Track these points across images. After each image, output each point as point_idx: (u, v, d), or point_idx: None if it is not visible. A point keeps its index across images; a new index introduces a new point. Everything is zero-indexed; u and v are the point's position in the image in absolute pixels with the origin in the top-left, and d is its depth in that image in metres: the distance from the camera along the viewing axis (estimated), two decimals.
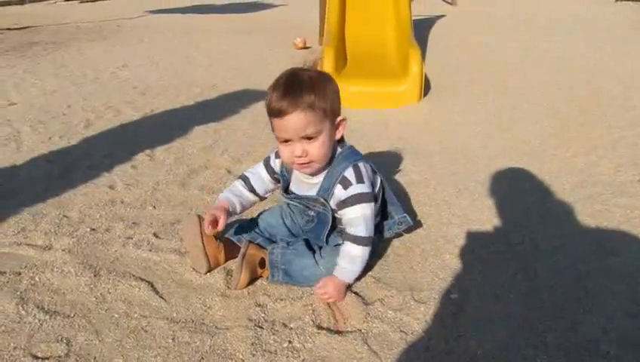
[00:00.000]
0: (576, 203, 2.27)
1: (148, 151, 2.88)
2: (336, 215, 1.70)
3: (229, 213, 1.75)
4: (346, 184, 1.64)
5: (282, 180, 1.81)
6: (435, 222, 2.11)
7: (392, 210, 1.86)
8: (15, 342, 1.42)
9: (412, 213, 2.14)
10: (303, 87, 1.54)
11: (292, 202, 1.79)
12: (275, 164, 1.82)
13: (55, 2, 12.26)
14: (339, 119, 1.65)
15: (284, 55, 5.91)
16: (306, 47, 6.23)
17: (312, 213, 1.73)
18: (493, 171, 2.63)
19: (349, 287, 1.65)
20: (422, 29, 7.10)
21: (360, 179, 1.65)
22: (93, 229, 2.04)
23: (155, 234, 2.00)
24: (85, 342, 1.42)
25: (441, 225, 2.09)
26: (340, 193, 1.65)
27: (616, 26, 7.84)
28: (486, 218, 2.16)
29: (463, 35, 7.19)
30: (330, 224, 1.71)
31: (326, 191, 1.68)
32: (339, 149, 1.71)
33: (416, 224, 2.06)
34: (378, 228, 1.84)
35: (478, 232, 2.04)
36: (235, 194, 1.81)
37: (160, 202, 2.29)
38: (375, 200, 1.71)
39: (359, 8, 5.32)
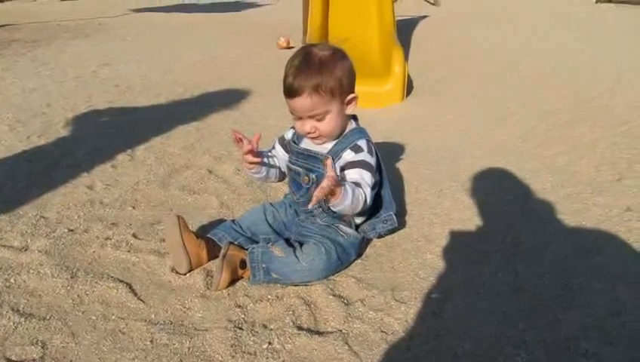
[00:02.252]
0: (557, 202, 2.28)
1: (128, 151, 2.84)
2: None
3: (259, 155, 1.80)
4: (357, 150, 1.71)
5: (295, 139, 1.85)
6: (416, 222, 2.11)
7: (382, 208, 1.87)
8: None
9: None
10: (310, 70, 1.62)
11: (295, 165, 1.81)
12: (288, 134, 1.89)
13: (35, 0, 12.09)
14: (350, 96, 1.70)
15: (268, 54, 5.89)
16: (289, 47, 6.21)
17: (313, 176, 1.75)
18: (475, 170, 2.64)
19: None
20: (405, 29, 7.11)
21: (370, 152, 1.73)
22: (71, 230, 2.00)
23: (134, 235, 1.97)
24: (61, 345, 1.39)
25: (422, 224, 2.09)
26: (349, 156, 1.71)
27: (599, 27, 7.93)
28: (468, 217, 2.16)
29: (446, 36, 7.21)
30: None
31: (335, 153, 1.73)
32: (353, 124, 1.79)
33: (399, 225, 2.06)
34: (362, 228, 1.85)
35: (460, 231, 2.04)
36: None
37: (140, 202, 2.26)
38: (374, 183, 1.76)
39: (343, 8, 5.32)
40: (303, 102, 1.63)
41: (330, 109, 1.66)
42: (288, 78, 1.63)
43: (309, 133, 1.70)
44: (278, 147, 1.92)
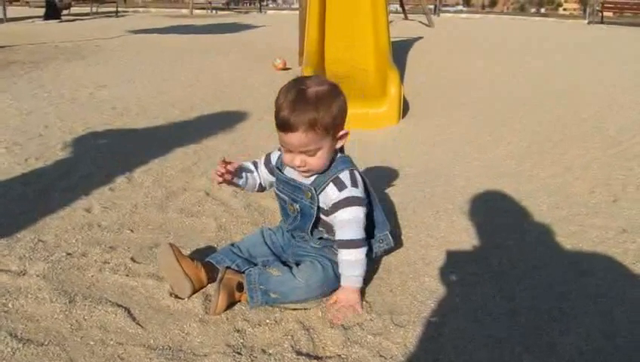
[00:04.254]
0: (553, 224, 2.30)
1: (126, 173, 2.85)
2: (322, 215, 1.74)
3: (238, 171, 1.82)
4: (340, 186, 1.69)
5: (279, 165, 1.84)
6: (413, 245, 2.12)
7: (375, 229, 1.87)
8: None
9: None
10: (308, 105, 1.57)
11: (282, 193, 1.80)
12: (274, 156, 1.87)
13: (33, 22, 12.18)
14: (342, 133, 1.69)
15: (264, 76, 5.94)
16: (286, 69, 6.27)
17: (297, 206, 1.75)
18: (471, 193, 2.66)
19: (362, 294, 1.72)
20: (400, 50, 7.19)
21: (354, 184, 1.71)
22: (69, 254, 2.00)
23: (132, 259, 1.97)
24: None
25: (419, 247, 2.10)
26: (333, 194, 1.69)
27: (591, 47, 8.03)
28: (464, 240, 2.17)
29: (440, 57, 7.30)
30: (314, 217, 1.73)
31: (318, 185, 1.71)
32: (339, 154, 1.77)
33: (395, 247, 2.06)
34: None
35: (457, 254, 2.05)
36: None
37: (138, 225, 2.26)
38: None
39: (338, 31, 5.39)
40: (298, 138, 1.59)
41: (322, 146, 1.63)
42: (283, 112, 1.57)
43: (298, 166, 1.67)
44: (263, 167, 1.90)
